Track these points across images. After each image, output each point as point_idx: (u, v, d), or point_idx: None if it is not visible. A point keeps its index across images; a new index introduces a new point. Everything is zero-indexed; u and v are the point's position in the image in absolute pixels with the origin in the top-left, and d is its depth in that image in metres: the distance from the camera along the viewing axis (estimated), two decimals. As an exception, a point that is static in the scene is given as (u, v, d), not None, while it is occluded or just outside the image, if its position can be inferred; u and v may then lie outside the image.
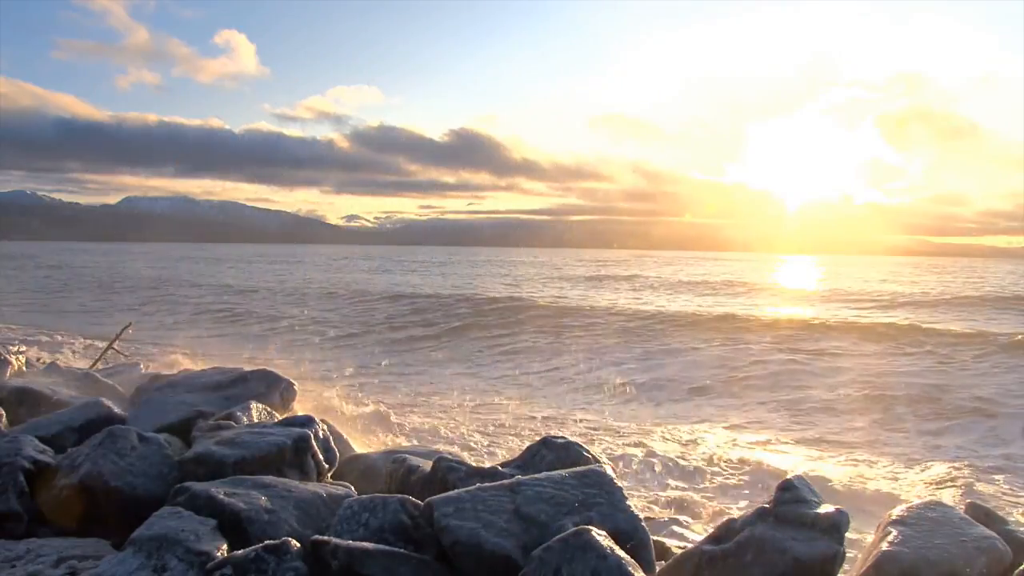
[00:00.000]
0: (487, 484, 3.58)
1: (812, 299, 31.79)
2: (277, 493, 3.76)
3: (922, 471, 8.18)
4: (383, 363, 16.47)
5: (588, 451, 4.51)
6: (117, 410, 5.39)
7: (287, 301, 28.18)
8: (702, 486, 7.42)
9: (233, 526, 3.46)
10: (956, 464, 8.37)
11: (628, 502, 3.48)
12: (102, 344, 13.45)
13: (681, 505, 6.68)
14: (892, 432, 10.17)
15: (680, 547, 3.85)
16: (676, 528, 4.56)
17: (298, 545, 3.13)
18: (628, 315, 22.32)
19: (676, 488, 7.24)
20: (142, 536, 3.24)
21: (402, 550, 3.21)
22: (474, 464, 4.32)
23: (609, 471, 3.70)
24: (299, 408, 6.54)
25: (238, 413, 5.14)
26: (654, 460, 8.42)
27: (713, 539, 3.58)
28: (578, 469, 3.72)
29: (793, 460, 8.75)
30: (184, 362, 11.56)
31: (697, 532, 4.55)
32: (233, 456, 4.22)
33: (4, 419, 5.41)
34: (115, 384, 6.86)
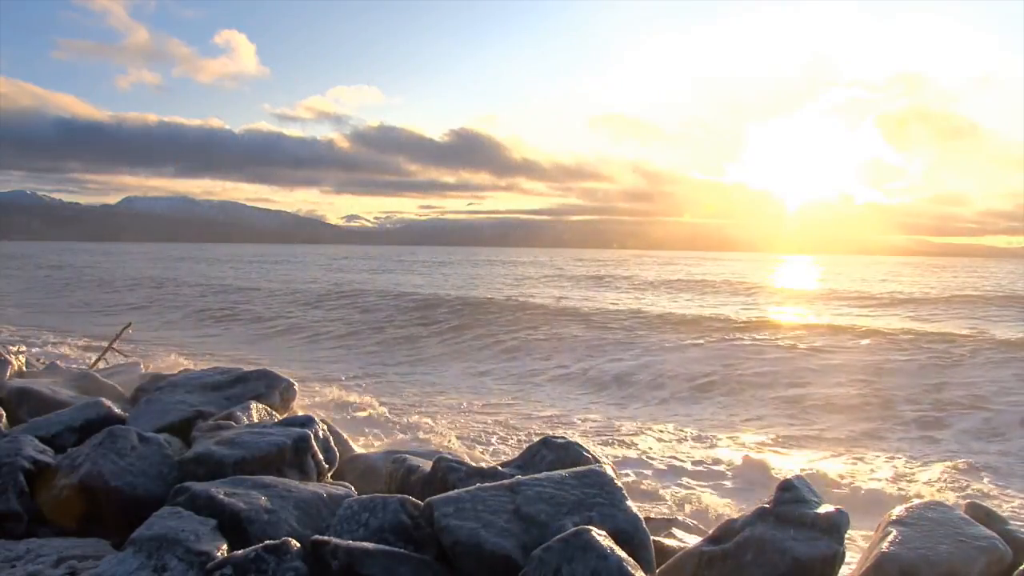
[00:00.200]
0: (487, 484, 3.58)
1: (812, 299, 31.80)
2: (277, 493, 3.76)
3: (922, 471, 8.18)
4: (383, 363, 16.47)
5: (588, 451, 4.51)
6: (117, 410, 5.39)
7: (287, 301, 28.18)
8: (702, 486, 7.42)
9: (233, 526, 3.46)
10: (956, 464, 8.38)
11: (628, 502, 3.48)
12: (102, 344, 13.45)
13: (681, 505, 6.68)
14: (892, 431, 10.17)
15: (680, 547, 3.85)
16: (676, 528, 4.56)
17: (298, 545, 3.14)
18: (628, 315, 22.32)
19: (676, 488, 7.24)
20: (142, 536, 3.24)
21: (402, 550, 3.22)
22: (474, 464, 4.32)
23: (609, 471, 3.70)
24: (299, 408, 6.54)
25: (238, 413, 5.14)
26: (654, 460, 8.42)
27: (713, 539, 3.58)
28: (578, 469, 3.72)
29: (793, 459, 8.76)
30: (184, 362, 11.57)
31: (697, 532, 4.54)
32: (233, 456, 4.22)
33: (4, 419, 5.41)
34: (115, 384, 6.85)
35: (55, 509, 4.03)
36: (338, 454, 4.89)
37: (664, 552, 3.76)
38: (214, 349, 18.26)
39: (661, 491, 7.05)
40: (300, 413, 5.79)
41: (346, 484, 4.32)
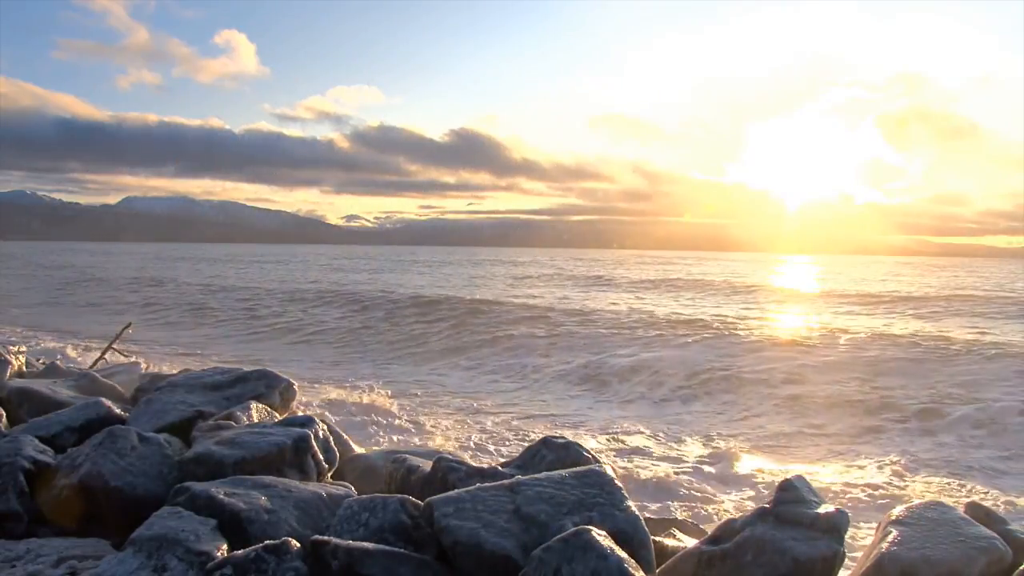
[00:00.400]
0: (487, 484, 3.58)
1: (811, 298, 31.81)
2: (277, 493, 3.76)
3: (921, 470, 8.19)
4: (383, 362, 16.48)
5: (588, 451, 4.51)
6: (117, 410, 5.38)
7: (287, 301, 28.17)
8: (702, 486, 7.41)
9: (233, 526, 3.45)
10: (956, 463, 8.38)
11: (628, 502, 3.48)
12: (102, 344, 13.44)
13: (681, 505, 6.68)
14: (892, 430, 10.18)
15: (680, 547, 3.85)
16: (676, 528, 4.56)
17: (298, 545, 3.13)
18: (628, 314, 22.33)
19: (676, 488, 7.24)
20: (142, 536, 3.24)
21: (402, 550, 3.21)
22: (474, 464, 4.32)
23: (609, 471, 3.69)
24: (299, 408, 6.54)
25: (238, 413, 5.13)
26: (654, 459, 8.42)
27: (713, 539, 3.58)
28: (578, 469, 3.71)
29: (792, 458, 8.76)
30: (184, 362, 11.58)
31: (697, 533, 4.54)
32: (233, 456, 4.22)
33: (4, 419, 5.41)
34: (115, 384, 6.84)
35: (55, 509, 4.03)
36: (338, 454, 4.89)
37: (664, 552, 3.76)
38: (214, 349, 18.26)
39: (661, 491, 7.05)
40: (300, 413, 5.79)
41: (346, 484, 4.32)
